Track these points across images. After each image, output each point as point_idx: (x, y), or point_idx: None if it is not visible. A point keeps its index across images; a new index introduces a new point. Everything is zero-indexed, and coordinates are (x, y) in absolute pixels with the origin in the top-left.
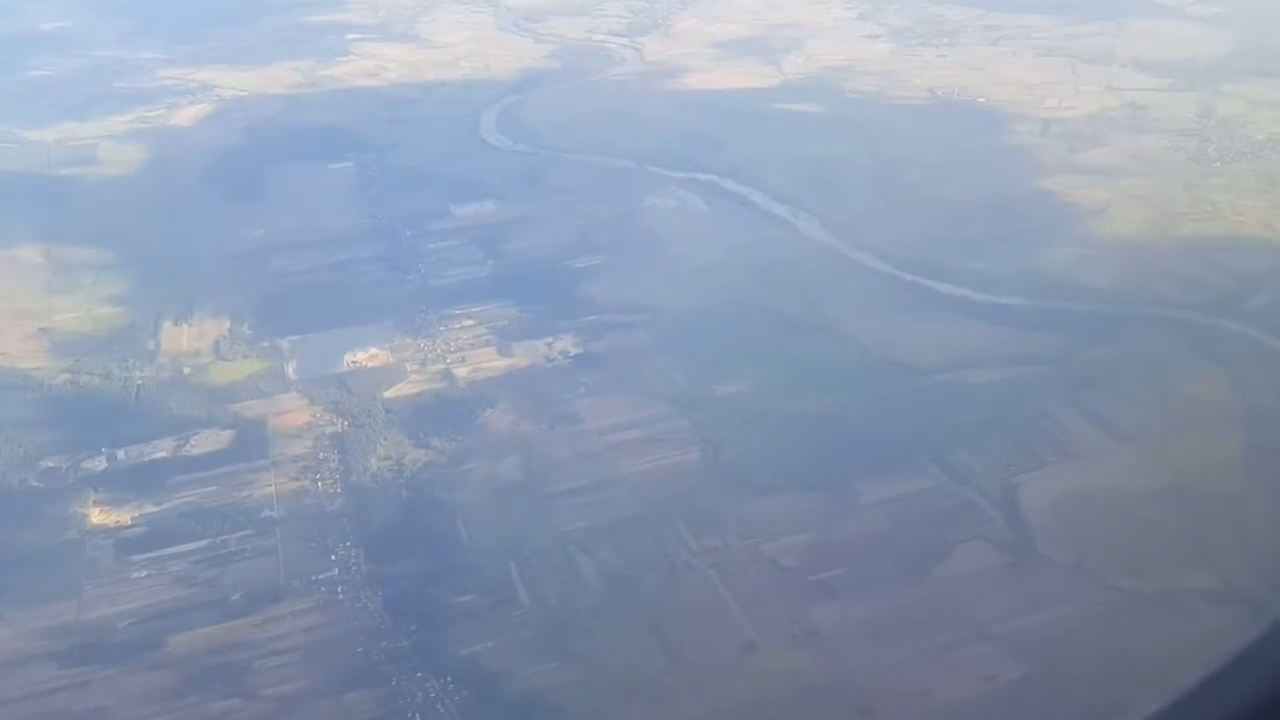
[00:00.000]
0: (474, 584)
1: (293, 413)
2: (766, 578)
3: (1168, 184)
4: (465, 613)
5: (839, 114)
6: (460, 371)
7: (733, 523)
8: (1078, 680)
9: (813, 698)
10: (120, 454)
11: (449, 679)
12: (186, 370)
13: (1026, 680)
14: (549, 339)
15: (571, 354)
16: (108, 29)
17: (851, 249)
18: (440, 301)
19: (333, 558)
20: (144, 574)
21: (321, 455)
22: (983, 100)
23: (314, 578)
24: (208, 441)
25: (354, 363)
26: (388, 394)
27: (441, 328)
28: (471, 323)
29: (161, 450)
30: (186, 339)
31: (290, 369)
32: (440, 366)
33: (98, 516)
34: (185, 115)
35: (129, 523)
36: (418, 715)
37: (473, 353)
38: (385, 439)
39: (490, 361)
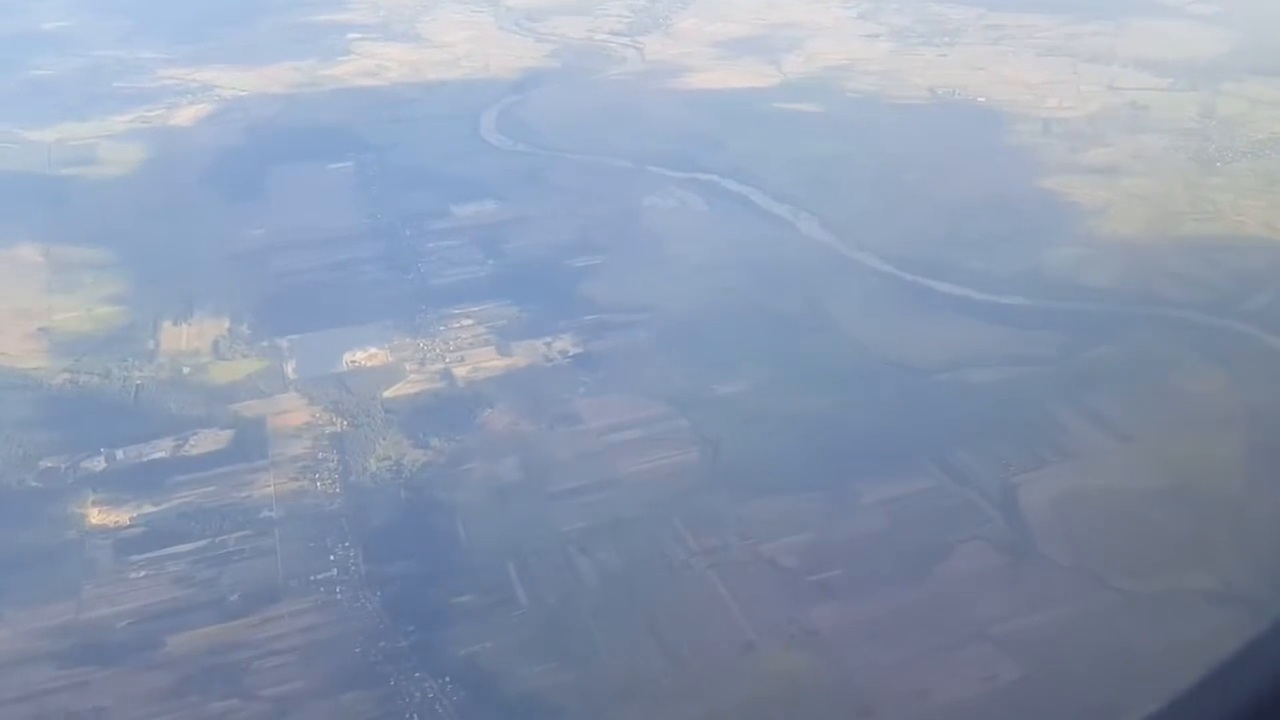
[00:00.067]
0: (472, 584)
1: (292, 412)
2: (766, 578)
3: (1168, 183)
4: (464, 613)
5: (839, 114)
6: (459, 371)
7: (732, 523)
8: (1077, 681)
9: (812, 698)
10: (119, 454)
11: (447, 679)
12: (186, 370)
13: (1026, 681)
14: (548, 339)
15: (571, 354)
16: (108, 28)
17: (851, 248)
18: (440, 301)
19: (331, 558)
20: (143, 574)
21: (320, 455)
22: (983, 100)
23: (312, 578)
24: (207, 441)
25: (353, 362)
26: (387, 394)
27: (441, 327)
28: (471, 322)
29: (160, 450)
30: (186, 338)
31: (289, 369)
32: (439, 366)
33: (96, 517)
34: (185, 115)
35: (128, 523)
36: (416, 716)
37: (472, 352)
38: (384, 439)
39: (489, 361)
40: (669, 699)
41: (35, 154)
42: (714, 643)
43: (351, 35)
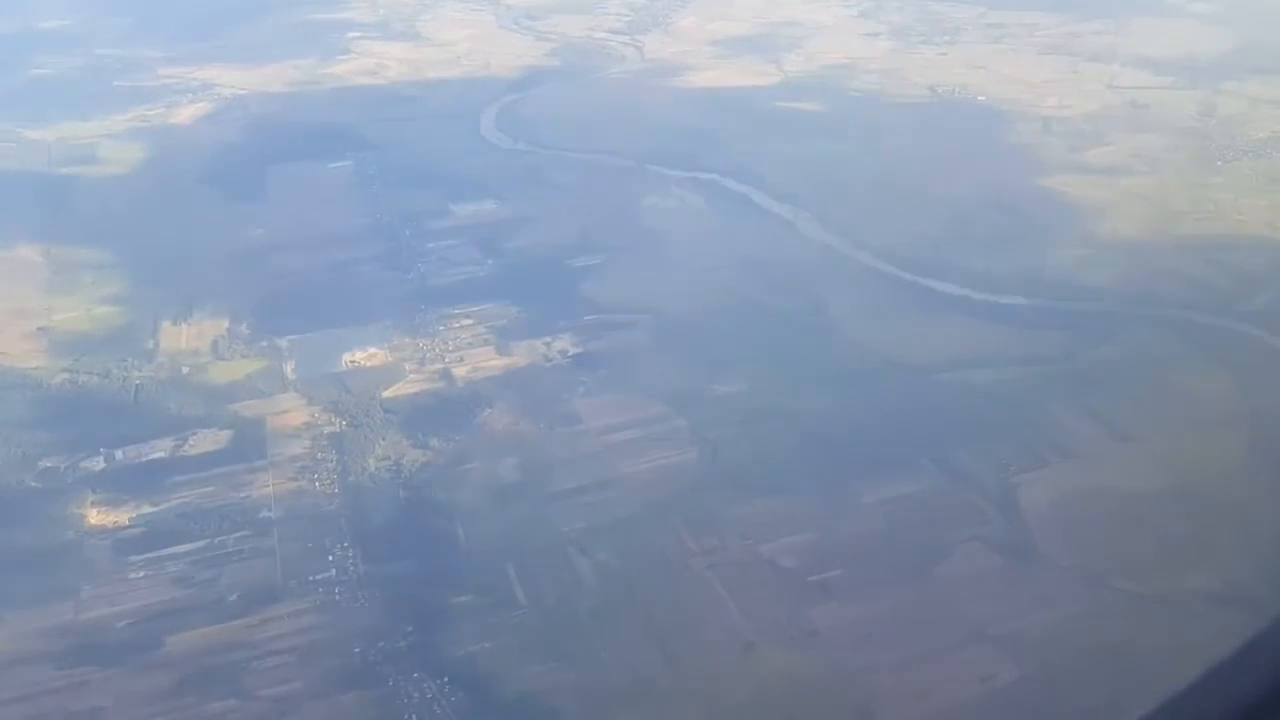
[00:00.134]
0: (471, 585)
1: (291, 413)
2: (765, 578)
3: (1169, 183)
4: (463, 613)
5: (839, 112)
6: (459, 371)
7: (731, 523)
8: (1076, 682)
9: (811, 699)
10: (118, 454)
11: (446, 680)
12: (185, 370)
13: (1025, 682)
14: (548, 338)
15: (570, 353)
16: (108, 27)
17: (851, 248)
18: (439, 301)
19: (330, 558)
20: (141, 574)
21: (319, 455)
22: (984, 99)
23: (311, 578)
24: (206, 441)
25: (352, 362)
26: (386, 394)
27: (440, 327)
28: (470, 322)
29: (160, 450)
30: (185, 338)
31: (289, 369)
32: (439, 366)
33: (96, 517)
34: (185, 114)
35: (127, 523)
36: (414, 716)
37: (471, 352)
38: (383, 439)
39: (489, 361)
40: (668, 699)
41: (35, 153)
42: (713, 643)
43: (351, 34)
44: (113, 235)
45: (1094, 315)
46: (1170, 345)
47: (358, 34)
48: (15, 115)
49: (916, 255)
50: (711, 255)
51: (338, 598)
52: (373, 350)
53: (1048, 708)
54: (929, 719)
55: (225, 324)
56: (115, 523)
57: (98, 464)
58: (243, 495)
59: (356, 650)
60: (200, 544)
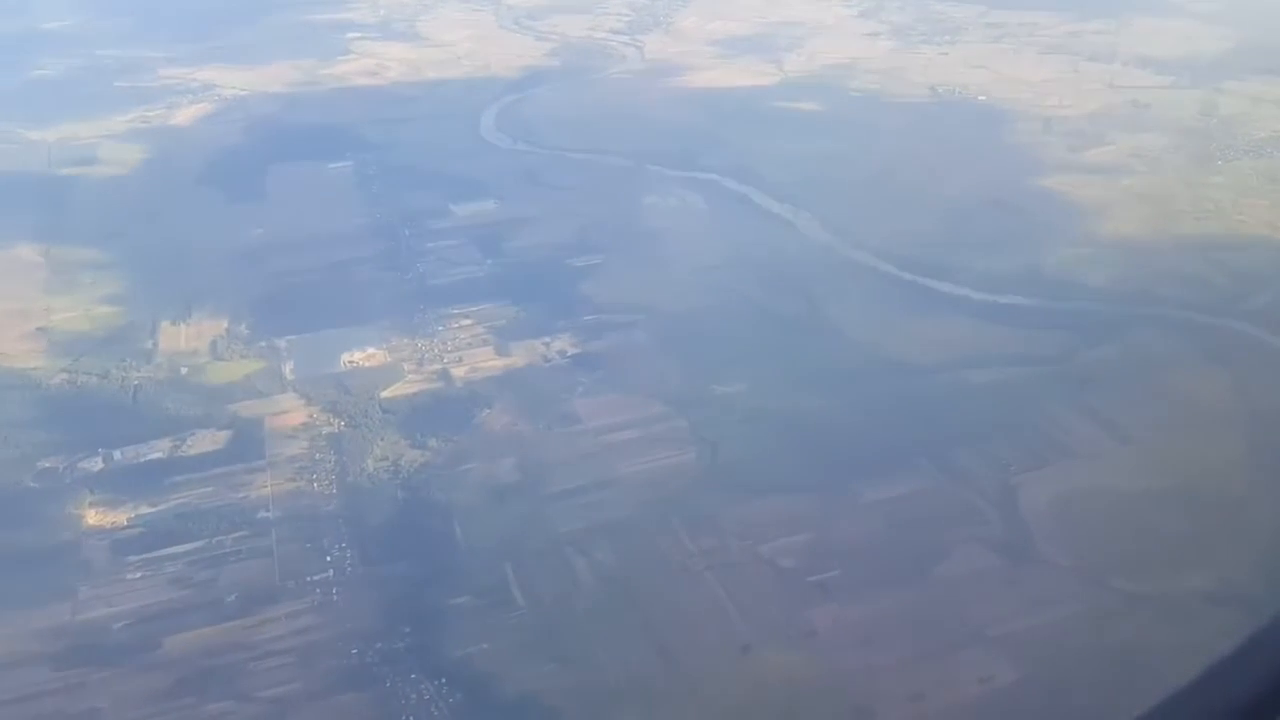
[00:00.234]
0: (469, 585)
1: (289, 413)
2: (764, 579)
3: (1169, 182)
4: (460, 614)
5: (840, 112)
6: (457, 371)
7: (730, 524)
8: (1075, 683)
9: (809, 700)
10: (117, 454)
11: (443, 681)
12: (184, 370)
13: (1023, 683)
14: (547, 339)
15: (569, 354)
16: (109, 28)
17: (851, 248)
18: (438, 301)
19: (328, 559)
20: (139, 575)
21: (318, 456)
22: (984, 98)
23: (309, 579)
24: (204, 442)
25: (351, 363)
26: (385, 394)
27: (439, 327)
28: (469, 322)
29: (158, 451)
30: (184, 339)
31: (287, 369)
32: (437, 366)
33: (94, 517)
34: (186, 114)
35: (125, 524)
36: (411, 717)
37: (470, 352)
38: (382, 439)
39: (488, 361)
40: (666, 700)
41: (35, 154)
42: (711, 644)
43: (351, 34)
44: (112, 235)
45: (1093, 315)
46: (1170, 345)
47: (358, 34)
48: (16, 116)
49: (916, 255)
50: (711, 255)
51: (335, 598)
52: (371, 350)
53: (1046, 708)
54: None
55: (224, 324)
56: (113, 523)
57: (96, 464)
58: (241, 496)
59: (354, 651)
60: (198, 544)
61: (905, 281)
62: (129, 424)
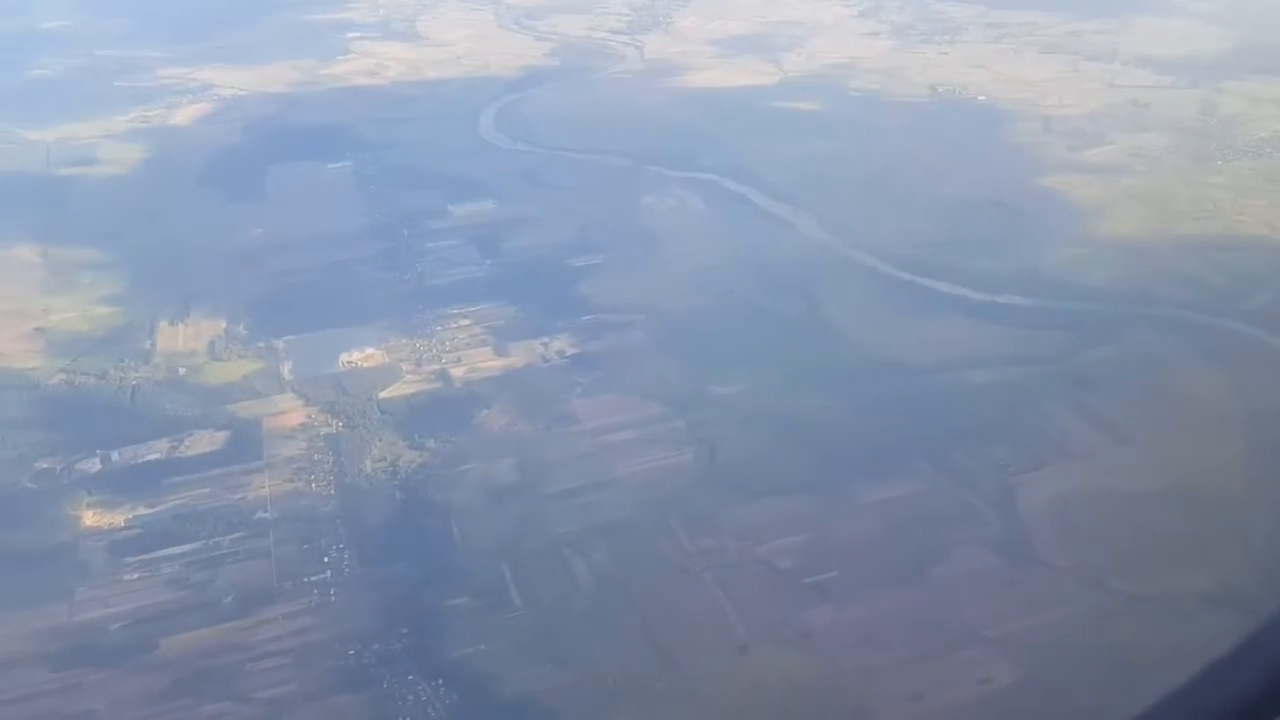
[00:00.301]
0: (467, 586)
1: (288, 413)
2: (761, 580)
3: (1169, 182)
4: (458, 615)
5: (839, 112)
6: (456, 372)
7: (728, 524)
8: (1073, 684)
9: (806, 701)
10: (114, 455)
11: (440, 682)
12: (182, 371)
13: (1021, 684)
14: (545, 339)
15: (568, 354)
16: (108, 28)
17: (850, 248)
18: (437, 301)
19: (325, 560)
20: (136, 576)
21: (316, 456)
22: (984, 98)
23: (307, 580)
24: (202, 442)
25: (349, 363)
26: (383, 394)
27: (438, 327)
28: (468, 322)
29: (156, 451)
30: (183, 339)
31: (286, 369)
32: (436, 367)
33: (91, 518)
34: (185, 114)
35: (122, 525)
36: (408, 718)
37: (469, 353)
38: (380, 440)
39: (486, 361)
40: (663, 701)
41: (34, 154)
42: (709, 645)
43: (351, 34)
44: (111, 235)
45: (1092, 315)
46: (1169, 345)
47: (357, 34)
48: (15, 116)
49: (915, 255)
50: (710, 255)
51: (333, 599)
52: (370, 351)
53: (1044, 709)
54: None
55: (223, 324)
56: (111, 524)
57: (94, 465)
58: (239, 496)
59: (351, 652)
60: (196, 545)
61: (904, 281)
62: (127, 424)
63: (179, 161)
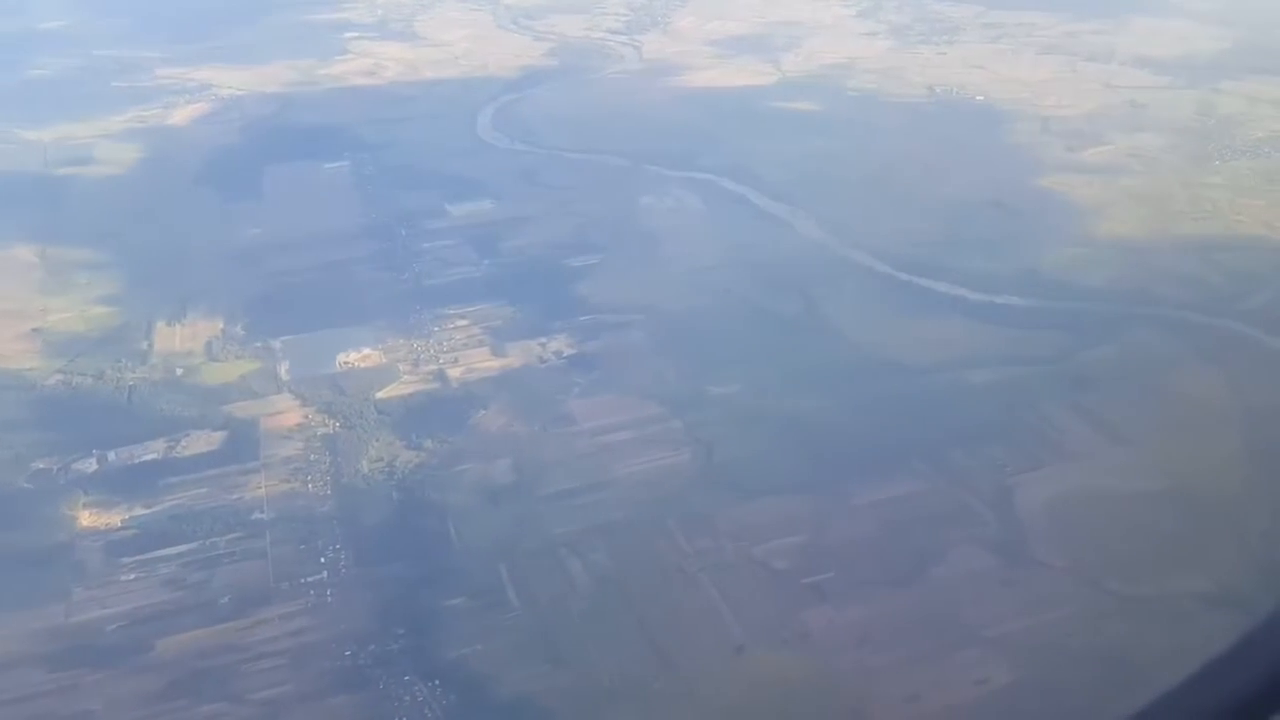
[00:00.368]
0: (464, 587)
1: (284, 414)
2: (758, 580)
3: (1167, 182)
4: (455, 615)
5: (837, 112)
6: (453, 372)
7: (725, 525)
8: (1070, 685)
9: (803, 702)
10: (111, 455)
11: (437, 682)
12: (179, 371)
13: (1018, 685)
14: (543, 339)
15: (565, 354)
16: (106, 28)
17: (848, 248)
18: (434, 301)
19: (322, 560)
20: (133, 577)
21: (313, 457)
22: (982, 98)
23: (303, 580)
24: (199, 443)
25: (346, 363)
26: (380, 395)
27: (435, 328)
28: (465, 323)
29: (152, 452)
30: (180, 339)
31: (283, 370)
32: (433, 367)
33: (87, 519)
34: (182, 114)
35: (119, 525)
36: (405, 719)
37: (466, 353)
38: (377, 440)
39: (483, 362)
40: (660, 702)
41: (32, 154)
42: (706, 645)
43: (349, 34)
44: (108, 236)
45: (1090, 315)
46: (1167, 345)
47: (355, 34)
48: (12, 116)
49: (913, 255)
50: (708, 255)
51: (329, 600)
52: (367, 351)
53: (1041, 710)
54: None
55: (220, 325)
56: (107, 524)
57: (90, 465)
58: (235, 497)
59: (348, 653)
60: (192, 546)
61: (902, 281)
62: (123, 425)
63: (176, 161)
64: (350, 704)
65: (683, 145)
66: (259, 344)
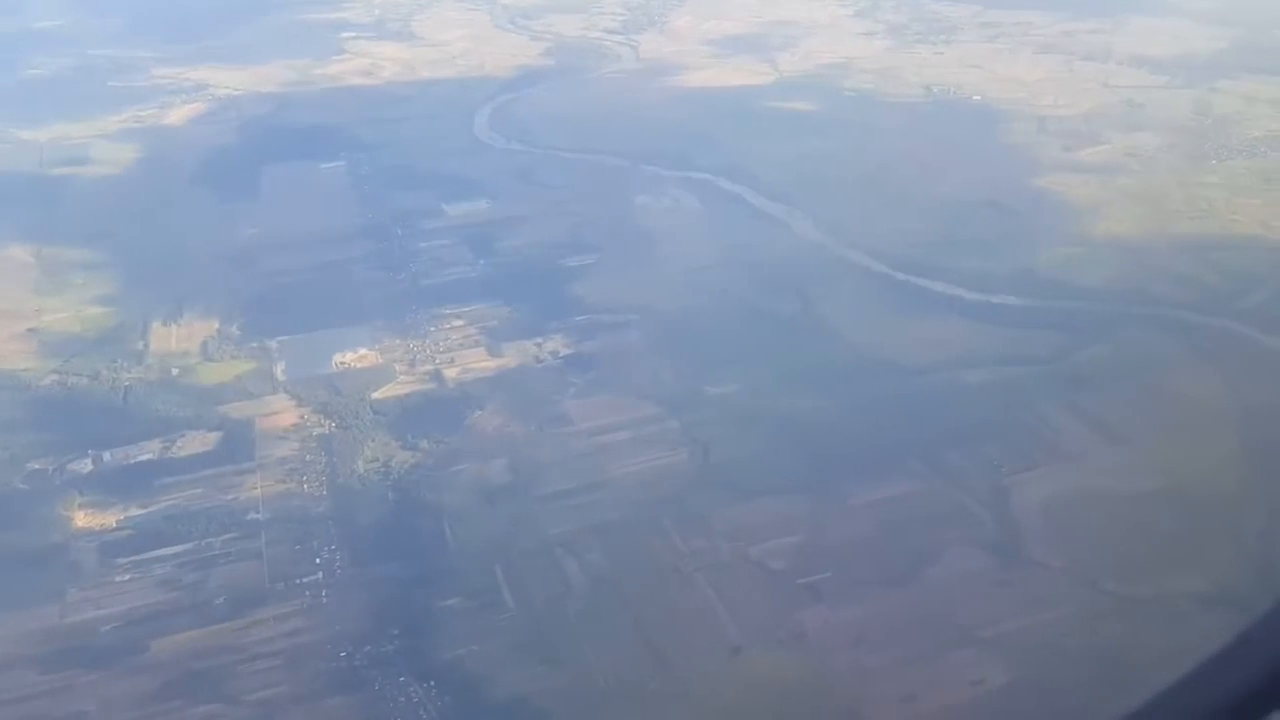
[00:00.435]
0: (459, 587)
1: (280, 414)
2: (754, 581)
3: (1163, 182)
4: (450, 616)
5: (834, 112)
6: (449, 372)
7: (721, 525)
8: (1066, 685)
9: (799, 702)
10: (106, 456)
11: (432, 683)
12: (174, 371)
13: (1014, 685)
14: (539, 339)
15: (562, 354)
16: (102, 27)
17: (845, 248)
18: (430, 301)
19: (317, 561)
20: (128, 577)
21: (308, 457)
22: (979, 98)
23: (298, 581)
24: (194, 443)
25: (342, 363)
26: (376, 395)
27: (431, 328)
28: (461, 323)
29: (148, 452)
30: (175, 339)
31: (278, 370)
32: (429, 367)
33: (83, 519)
34: (179, 114)
35: (114, 525)
36: None
37: (462, 353)
38: (373, 440)
39: (480, 362)
40: (656, 702)
41: (28, 154)
42: (702, 646)
43: (346, 34)
44: (104, 236)
45: (1087, 315)
46: (1163, 345)
47: (352, 34)
48: (8, 115)
49: (910, 255)
50: (704, 255)
51: (325, 600)
52: (363, 351)
53: (1037, 710)
54: None
55: (215, 325)
56: (102, 525)
57: (86, 466)
58: (231, 497)
59: (343, 654)
60: (187, 546)
61: (899, 281)
62: (119, 425)
63: (172, 161)
64: (345, 705)
65: (679, 145)
66: (255, 344)
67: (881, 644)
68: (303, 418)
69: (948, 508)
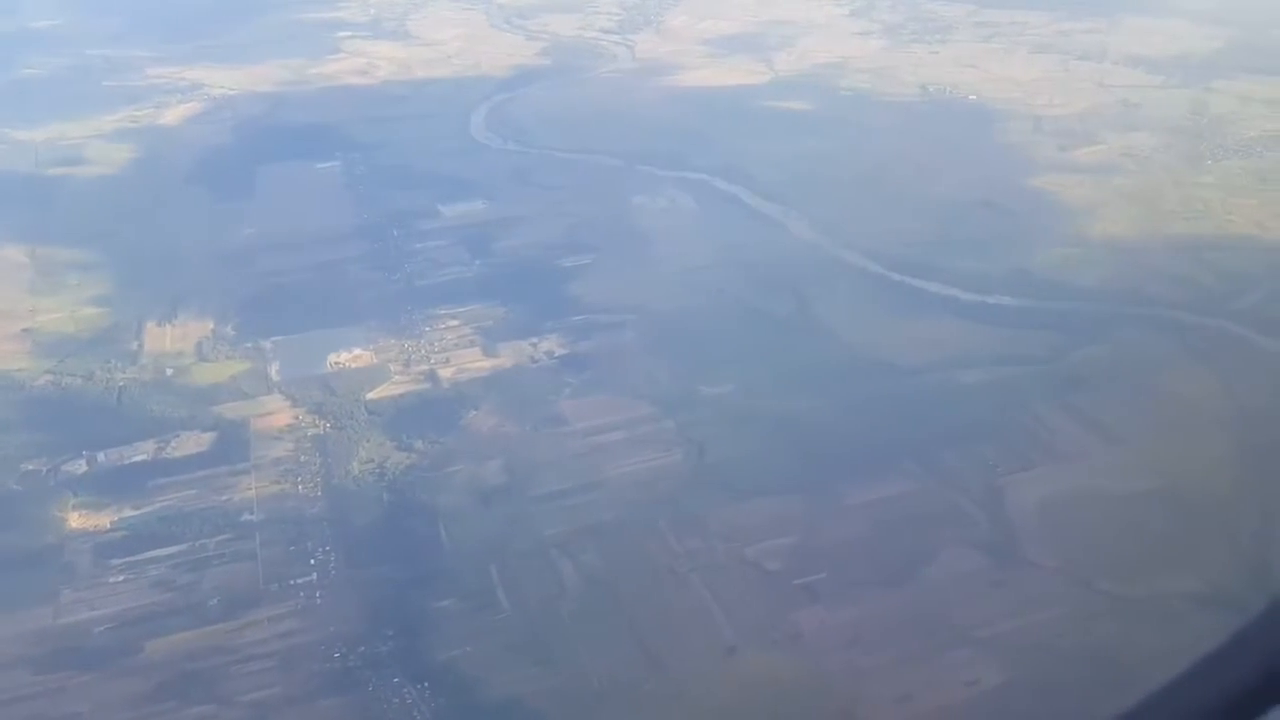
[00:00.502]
0: (454, 588)
1: (275, 414)
2: (749, 581)
3: (1159, 182)
4: (445, 617)
5: (830, 111)
6: (444, 372)
7: (716, 526)
8: (1061, 685)
9: (794, 703)
10: (100, 456)
11: (426, 684)
12: (169, 371)
13: (1009, 685)
14: (535, 339)
15: (557, 354)
16: (98, 27)
17: (840, 248)
18: (426, 301)
19: (312, 562)
20: (122, 578)
21: (303, 458)
22: (974, 97)
23: (293, 582)
24: (189, 444)
25: (337, 364)
26: (371, 395)
27: (426, 328)
28: (457, 323)
29: (142, 453)
30: (170, 340)
31: (273, 370)
32: (424, 367)
33: (77, 520)
34: (174, 114)
35: (108, 526)
36: None
37: (457, 353)
38: (367, 441)
39: (475, 362)
40: (651, 703)
41: (23, 154)
42: (697, 646)
43: (341, 33)
44: (99, 236)
45: (1082, 315)
46: (1158, 345)
47: (348, 33)
48: (4, 115)
49: (905, 255)
50: (700, 255)
51: (319, 602)
52: (358, 351)
53: (1032, 710)
54: None
55: (210, 325)
56: (96, 526)
57: (80, 466)
58: (225, 498)
59: (337, 655)
60: (181, 547)
61: (894, 281)
62: (113, 426)
63: (168, 161)
64: (339, 706)
65: (675, 145)
66: (249, 344)
67: (877, 644)
68: (297, 418)
69: (943, 508)
